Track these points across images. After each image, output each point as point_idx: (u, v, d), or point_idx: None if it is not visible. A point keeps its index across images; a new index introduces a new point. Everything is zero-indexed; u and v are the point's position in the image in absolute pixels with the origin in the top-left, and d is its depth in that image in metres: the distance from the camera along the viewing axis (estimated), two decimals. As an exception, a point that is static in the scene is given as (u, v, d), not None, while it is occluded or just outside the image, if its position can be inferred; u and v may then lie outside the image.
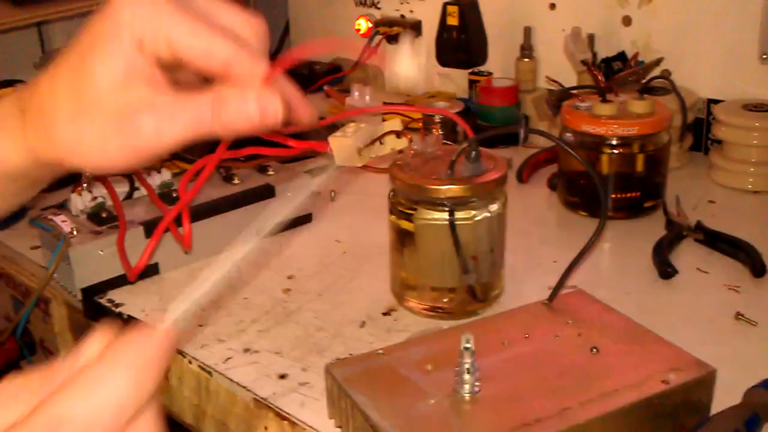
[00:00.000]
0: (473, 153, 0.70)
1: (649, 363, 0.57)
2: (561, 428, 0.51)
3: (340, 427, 0.59)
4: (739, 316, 0.72)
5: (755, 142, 1.00)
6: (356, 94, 1.21)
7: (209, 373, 0.70)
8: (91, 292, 0.81)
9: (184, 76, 0.53)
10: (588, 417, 0.52)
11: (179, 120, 0.48)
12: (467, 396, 0.54)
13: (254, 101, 0.48)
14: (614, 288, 0.78)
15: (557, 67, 1.22)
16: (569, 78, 1.18)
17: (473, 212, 0.70)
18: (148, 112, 0.48)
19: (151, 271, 0.84)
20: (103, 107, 0.48)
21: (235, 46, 0.48)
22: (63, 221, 0.83)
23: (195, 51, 0.47)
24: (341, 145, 0.74)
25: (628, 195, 0.93)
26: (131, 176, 0.88)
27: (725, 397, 0.58)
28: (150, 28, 0.47)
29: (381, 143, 0.76)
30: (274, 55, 1.54)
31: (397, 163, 0.73)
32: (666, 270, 0.79)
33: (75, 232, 0.80)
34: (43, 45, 1.41)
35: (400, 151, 0.76)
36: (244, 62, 0.48)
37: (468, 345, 0.54)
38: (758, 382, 0.60)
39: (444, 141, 0.84)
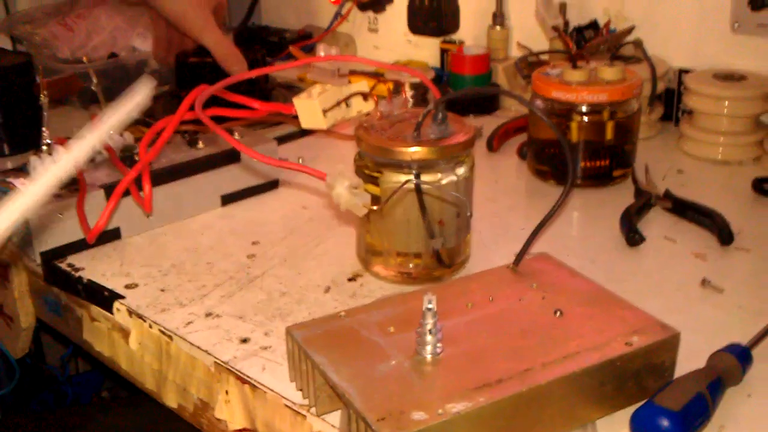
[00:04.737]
0: (440, 115, 0.69)
1: (613, 326, 0.57)
2: (522, 389, 0.50)
3: (301, 390, 0.58)
4: (706, 283, 0.72)
5: (725, 111, 0.99)
6: (321, 54, 1.19)
7: (170, 337, 0.68)
8: (51, 257, 0.79)
9: None
10: (549, 378, 0.51)
11: None
12: (429, 357, 0.53)
13: None
14: (582, 255, 0.78)
15: (530, 36, 1.21)
16: (541, 46, 1.17)
17: (439, 175, 0.69)
18: None
19: (112, 235, 0.82)
20: None
21: None
22: (22, 184, 0.81)
23: None
24: (306, 106, 0.73)
25: (598, 164, 0.92)
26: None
27: (691, 362, 0.58)
28: None
29: (347, 105, 0.75)
30: (244, 22, 1.52)
31: (363, 125, 0.72)
32: (633, 237, 0.79)
33: (34, 195, 0.78)
34: (7, 7, 1.38)
35: (367, 114, 0.75)
36: None
37: (430, 305, 0.53)
38: (723, 346, 0.60)
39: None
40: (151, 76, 0.50)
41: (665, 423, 0.51)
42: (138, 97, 0.46)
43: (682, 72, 1.08)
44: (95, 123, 0.45)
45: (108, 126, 0.45)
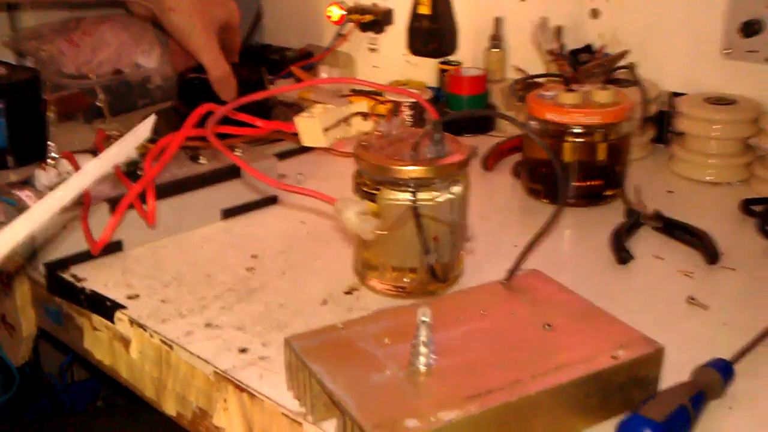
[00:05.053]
0: (437, 135, 0.71)
1: (600, 340, 0.59)
2: (512, 399, 0.52)
3: (298, 398, 0.60)
4: (691, 300, 0.74)
5: (715, 134, 1.02)
6: (323, 75, 1.22)
7: (170, 346, 0.70)
8: (55, 267, 0.81)
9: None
10: (538, 389, 0.53)
11: None
12: (422, 368, 0.55)
13: None
14: (573, 272, 0.80)
15: (526, 58, 1.24)
16: (537, 69, 1.19)
17: (435, 193, 0.71)
18: None
19: (114, 247, 0.84)
20: None
21: None
22: (27, 196, 0.83)
23: None
24: (307, 125, 0.75)
25: (590, 183, 0.94)
26: (97, 154, 0.88)
27: (675, 376, 0.60)
28: None
29: (347, 125, 0.78)
30: (246, 41, 1.54)
31: (361, 144, 0.74)
32: (622, 255, 0.81)
33: (39, 207, 0.80)
34: (12, 23, 1.40)
35: (366, 133, 0.77)
36: None
37: (425, 318, 0.55)
38: (706, 361, 0.62)
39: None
40: (153, 115, 0.55)
41: (649, 434, 0.53)
42: (142, 130, 0.49)
43: (675, 95, 1.11)
44: (103, 153, 0.48)
45: (115, 154, 0.48)
